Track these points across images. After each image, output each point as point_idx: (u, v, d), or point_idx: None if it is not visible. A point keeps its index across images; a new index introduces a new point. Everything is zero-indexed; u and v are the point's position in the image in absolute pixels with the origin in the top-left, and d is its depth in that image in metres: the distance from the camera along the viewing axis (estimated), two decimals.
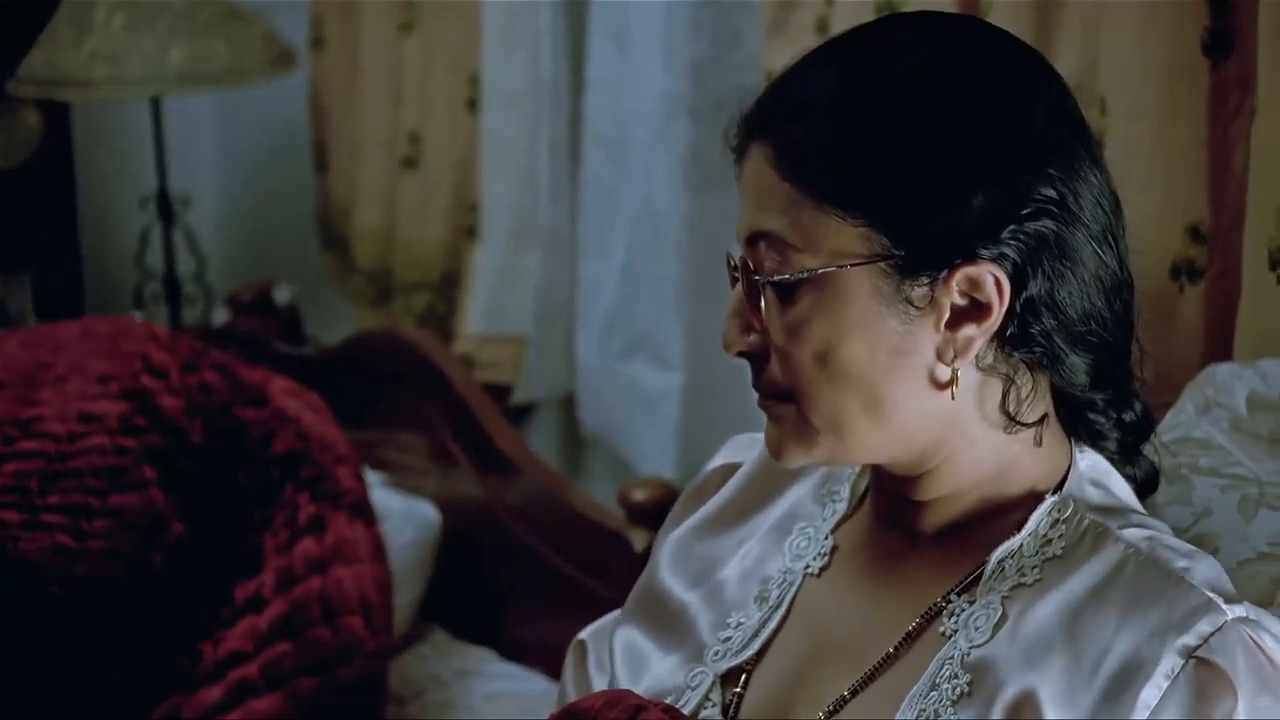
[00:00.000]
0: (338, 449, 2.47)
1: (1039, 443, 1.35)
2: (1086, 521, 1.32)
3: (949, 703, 1.28)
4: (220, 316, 3.55)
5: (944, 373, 1.30)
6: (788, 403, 1.33)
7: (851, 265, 1.27)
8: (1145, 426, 1.41)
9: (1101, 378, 1.34)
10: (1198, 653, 1.23)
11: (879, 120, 1.28)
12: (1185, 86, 1.85)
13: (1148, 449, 1.42)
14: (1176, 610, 1.24)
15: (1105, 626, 1.26)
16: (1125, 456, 1.40)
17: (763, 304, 1.31)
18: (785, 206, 1.29)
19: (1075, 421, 1.37)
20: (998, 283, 1.27)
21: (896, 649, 1.35)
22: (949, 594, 1.34)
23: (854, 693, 1.35)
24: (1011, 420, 1.32)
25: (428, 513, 2.73)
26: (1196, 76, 1.84)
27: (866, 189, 1.27)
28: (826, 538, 1.45)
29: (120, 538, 2.31)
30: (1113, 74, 1.90)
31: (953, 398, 1.30)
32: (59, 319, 3.48)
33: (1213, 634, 1.23)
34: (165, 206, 3.61)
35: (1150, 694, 1.22)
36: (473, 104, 3.04)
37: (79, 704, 2.30)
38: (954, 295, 1.28)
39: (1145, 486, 1.42)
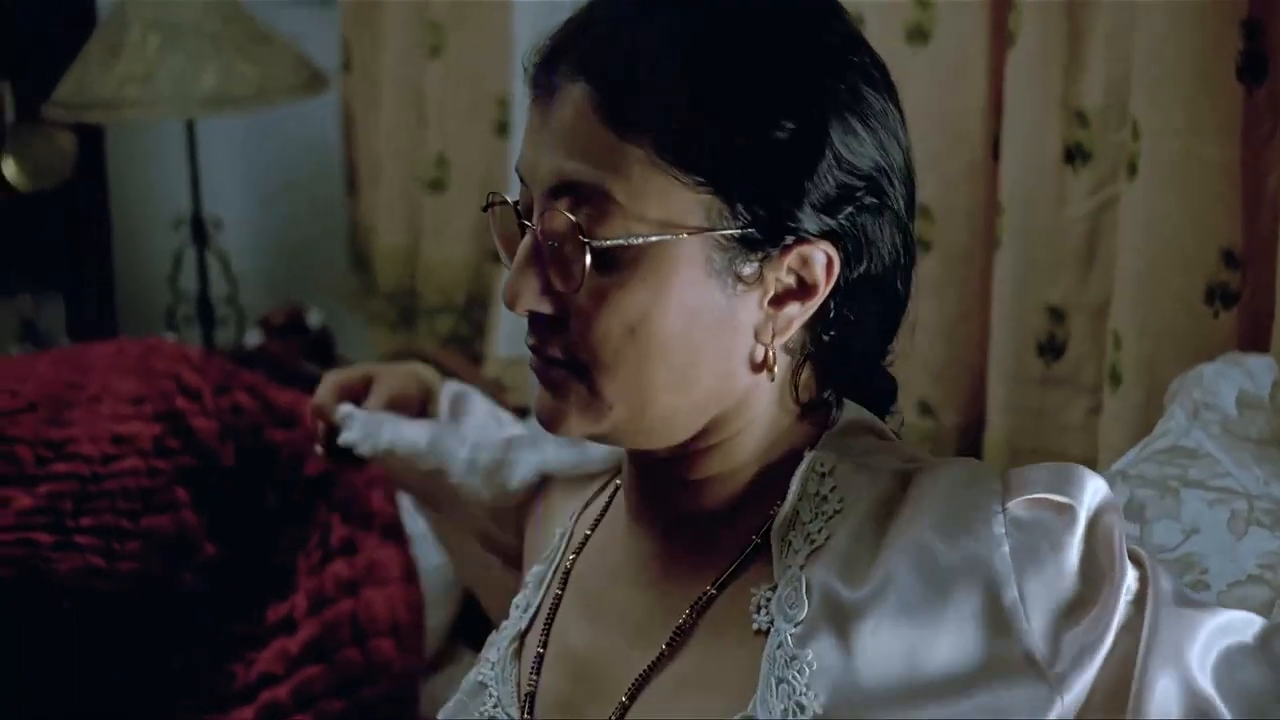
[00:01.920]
0: (369, 471, 2.47)
1: (802, 414, 1.28)
2: (854, 469, 1.25)
3: (804, 686, 1.18)
4: (252, 338, 3.56)
5: (760, 352, 1.22)
6: (581, 372, 1.22)
7: (689, 235, 1.17)
8: (893, 395, 1.37)
9: (879, 358, 1.31)
10: (1008, 501, 1.20)
11: (724, 78, 1.17)
12: (1217, 108, 1.84)
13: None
14: (966, 496, 1.21)
15: (915, 535, 1.20)
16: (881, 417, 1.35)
17: (583, 266, 1.18)
18: (609, 158, 1.17)
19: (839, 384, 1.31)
20: (829, 263, 1.21)
21: (671, 647, 1.26)
22: (719, 581, 1.26)
23: (631, 697, 1.27)
24: (796, 401, 1.26)
25: None
26: (1229, 99, 1.83)
27: (711, 153, 1.17)
28: (571, 535, 1.40)
29: (151, 559, 2.32)
30: (1145, 95, 1.90)
31: (771, 378, 1.23)
32: (92, 339, 3.50)
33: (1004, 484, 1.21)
34: (198, 229, 3.63)
35: (1000, 554, 1.18)
36: (502, 127, 3.05)
37: None
38: (782, 273, 1.21)
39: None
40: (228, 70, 3.24)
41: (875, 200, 1.21)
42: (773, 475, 1.27)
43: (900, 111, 1.25)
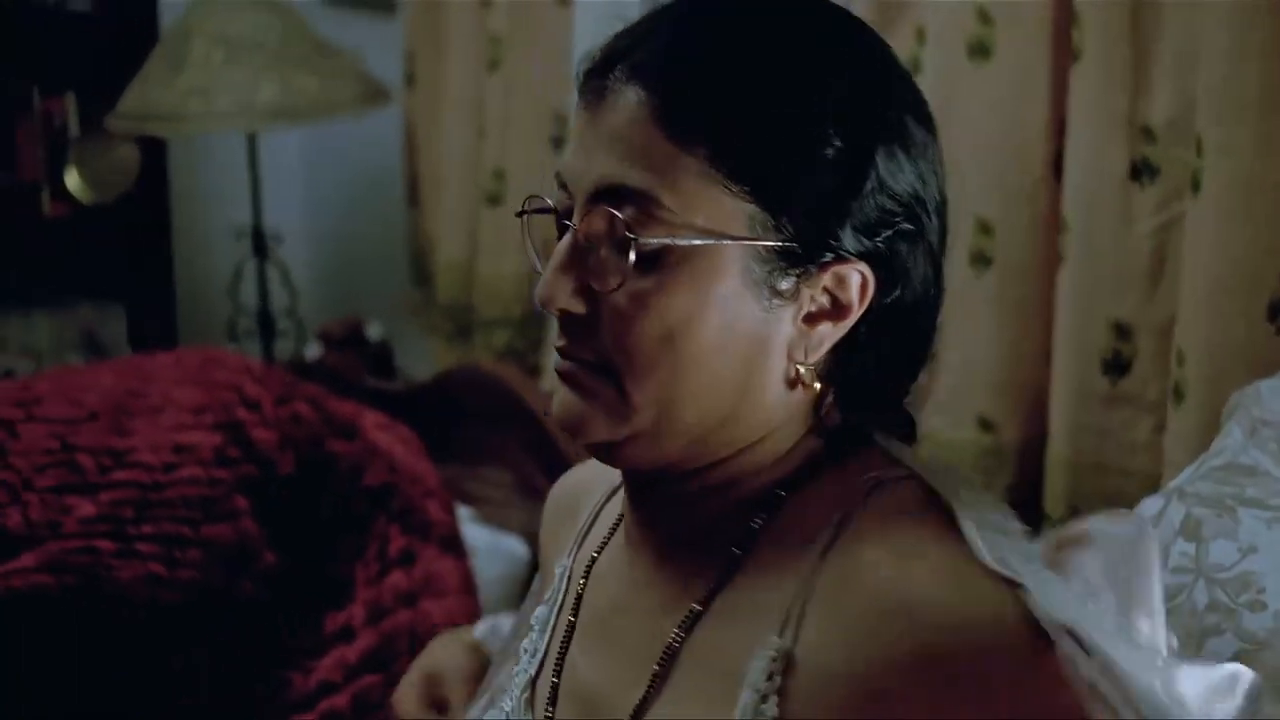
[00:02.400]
0: (428, 483, 2.48)
1: (824, 438, 1.26)
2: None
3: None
4: (312, 351, 3.58)
5: (793, 369, 1.21)
6: (610, 375, 1.20)
7: (732, 241, 1.17)
8: (914, 434, 1.31)
9: (903, 391, 1.28)
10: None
11: (782, 93, 1.17)
12: None
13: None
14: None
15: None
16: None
17: (627, 265, 1.17)
18: (661, 164, 1.17)
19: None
20: (863, 285, 1.20)
21: (663, 669, 1.23)
22: (705, 597, 1.23)
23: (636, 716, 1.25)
24: (817, 424, 1.24)
25: (515, 547, 2.74)
26: None
27: (762, 165, 1.17)
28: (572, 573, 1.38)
29: (211, 567, 2.33)
30: (1210, 112, 1.89)
31: (805, 394, 1.22)
32: (153, 350, 3.53)
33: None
34: (259, 241, 3.64)
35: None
36: (558, 141, 3.06)
37: None
38: (818, 291, 1.19)
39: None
40: (289, 84, 3.26)
41: (912, 228, 1.20)
42: (759, 486, 1.25)
43: (939, 148, 1.25)
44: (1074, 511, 2.14)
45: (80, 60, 3.86)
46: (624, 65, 1.20)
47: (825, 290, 1.20)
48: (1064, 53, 2.14)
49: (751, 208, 1.17)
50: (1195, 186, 1.91)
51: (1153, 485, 1.93)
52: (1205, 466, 1.67)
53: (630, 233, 1.17)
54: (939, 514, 1.18)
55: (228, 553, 2.34)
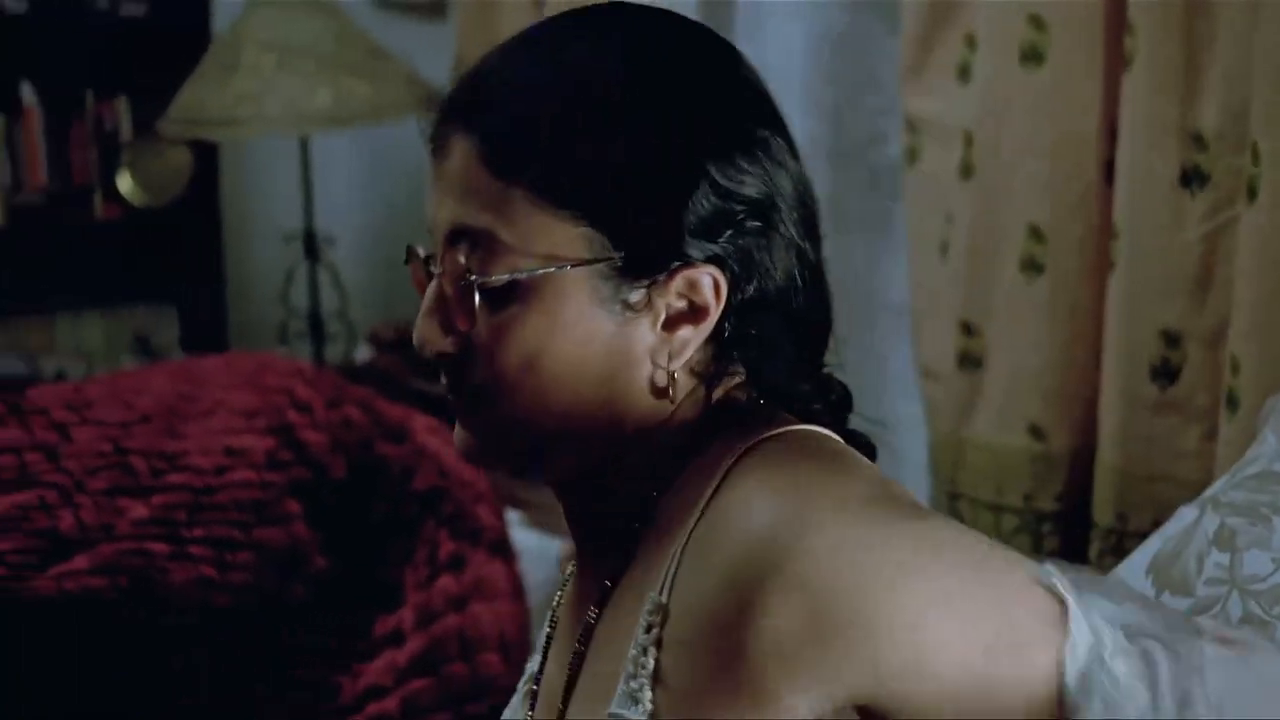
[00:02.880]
0: (477, 487, 2.48)
1: (727, 427, 1.28)
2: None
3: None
4: (362, 354, 3.59)
5: (661, 377, 1.25)
6: (486, 405, 1.26)
7: (571, 267, 1.22)
8: (848, 403, 1.36)
9: (802, 372, 1.31)
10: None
11: (595, 116, 1.22)
12: None
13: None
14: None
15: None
16: (839, 429, 1.33)
17: (473, 305, 1.23)
18: (494, 202, 1.23)
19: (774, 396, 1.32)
20: (716, 285, 1.24)
21: (581, 646, 1.30)
22: (615, 575, 1.29)
23: (564, 708, 1.30)
24: (713, 419, 1.27)
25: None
26: None
27: (585, 188, 1.22)
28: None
29: (262, 570, 2.34)
30: (1264, 118, 1.88)
31: (672, 402, 1.26)
32: (204, 352, 3.54)
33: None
34: (310, 244, 3.66)
35: None
36: None
37: None
38: (671, 297, 1.24)
39: (858, 441, 1.35)
40: (341, 89, 3.27)
41: (759, 224, 1.24)
42: (665, 465, 1.28)
43: (787, 140, 1.28)
44: (1121, 519, 2.14)
45: (133, 64, 3.89)
46: (455, 114, 1.26)
47: (679, 295, 1.24)
48: (1116, 59, 2.13)
49: (585, 229, 1.22)
50: (1251, 194, 1.90)
51: (1200, 494, 1.92)
52: (1239, 475, 1.66)
53: (471, 274, 1.23)
54: (825, 456, 1.24)
55: (279, 556, 2.35)
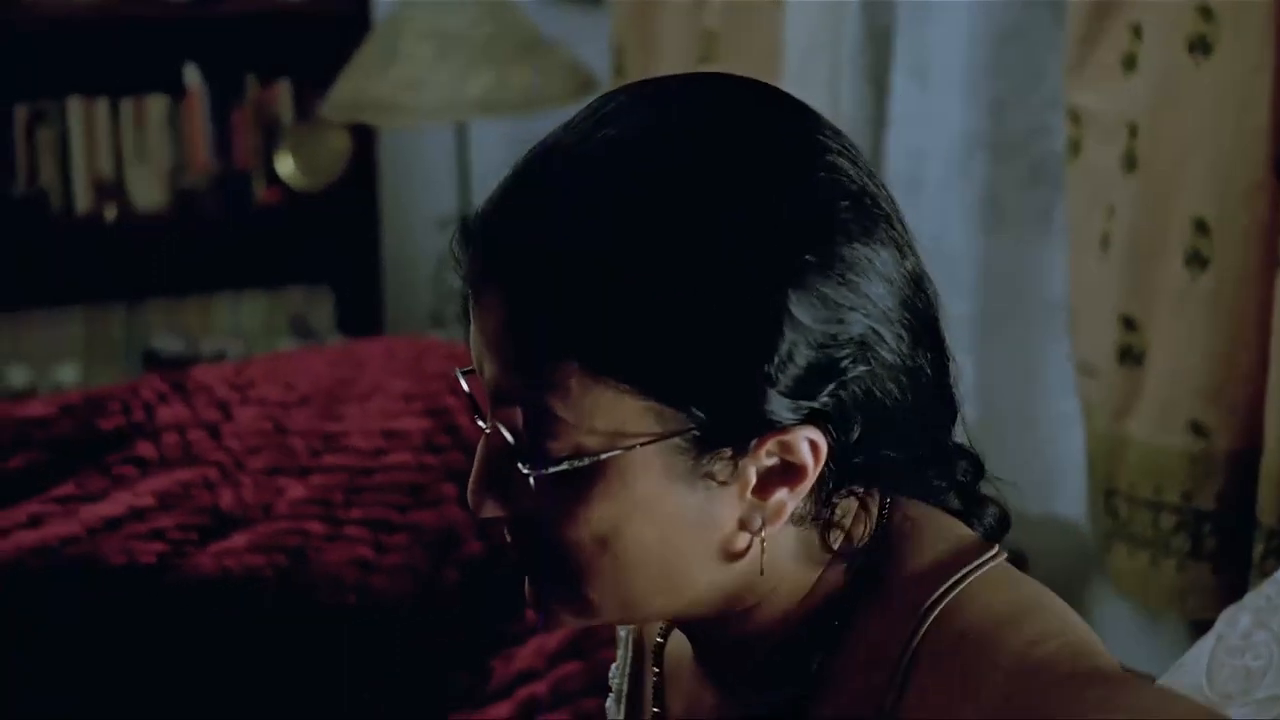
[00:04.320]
0: None
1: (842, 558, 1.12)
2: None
3: None
4: None
5: (743, 540, 1.07)
6: (558, 583, 1.08)
7: (640, 445, 1.03)
8: (978, 473, 1.18)
9: (923, 470, 1.13)
10: None
11: (650, 265, 1.01)
12: None
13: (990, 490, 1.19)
14: None
15: None
16: (969, 506, 1.17)
17: (529, 488, 1.04)
18: (543, 375, 1.03)
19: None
20: (813, 444, 1.05)
21: None
22: None
23: None
24: (838, 554, 1.10)
25: None
26: None
27: (646, 356, 1.02)
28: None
29: (417, 553, 2.36)
30: None
31: (761, 572, 1.08)
32: (359, 334, 3.58)
33: None
34: None
35: None
36: None
37: (368, 714, 2.35)
38: (762, 461, 1.05)
39: (996, 532, 1.18)
40: (499, 76, 3.29)
41: (865, 367, 1.05)
42: (813, 625, 1.12)
43: (889, 231, 1.08)
44: None
45: (294, 49, 3.94)
46: (484, 251, 1.06)
47: (771, 455, 1.05)
48: None
49: (653, 404, 1.03)
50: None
51: None
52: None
53: (526, 463, 1.04)
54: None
55: (433, 539, 2.37)
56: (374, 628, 2.34)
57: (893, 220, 1.09)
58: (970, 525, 1.16)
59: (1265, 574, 2.03)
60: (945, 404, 1.12)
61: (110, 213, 3.91)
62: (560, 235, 1.03)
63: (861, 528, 1.12)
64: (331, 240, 4.02)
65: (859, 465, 1.07)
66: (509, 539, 1.10)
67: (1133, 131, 2.29)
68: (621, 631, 1.30)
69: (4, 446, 2.44)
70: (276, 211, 3.99)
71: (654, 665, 1.24)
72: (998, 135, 2.69)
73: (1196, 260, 2.20)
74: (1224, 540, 2.21)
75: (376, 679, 2.34)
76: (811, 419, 1.04)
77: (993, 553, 1.10)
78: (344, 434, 2.45)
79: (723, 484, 1.04)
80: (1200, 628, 1.87)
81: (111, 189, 3.93)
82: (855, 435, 1.05)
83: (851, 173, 1.07)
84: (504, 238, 1.05)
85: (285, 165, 3.96)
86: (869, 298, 1.05)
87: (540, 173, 1.07)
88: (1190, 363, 2.22)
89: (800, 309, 1.02)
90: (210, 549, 2.32)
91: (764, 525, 1.06)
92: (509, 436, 1.05)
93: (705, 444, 1.03)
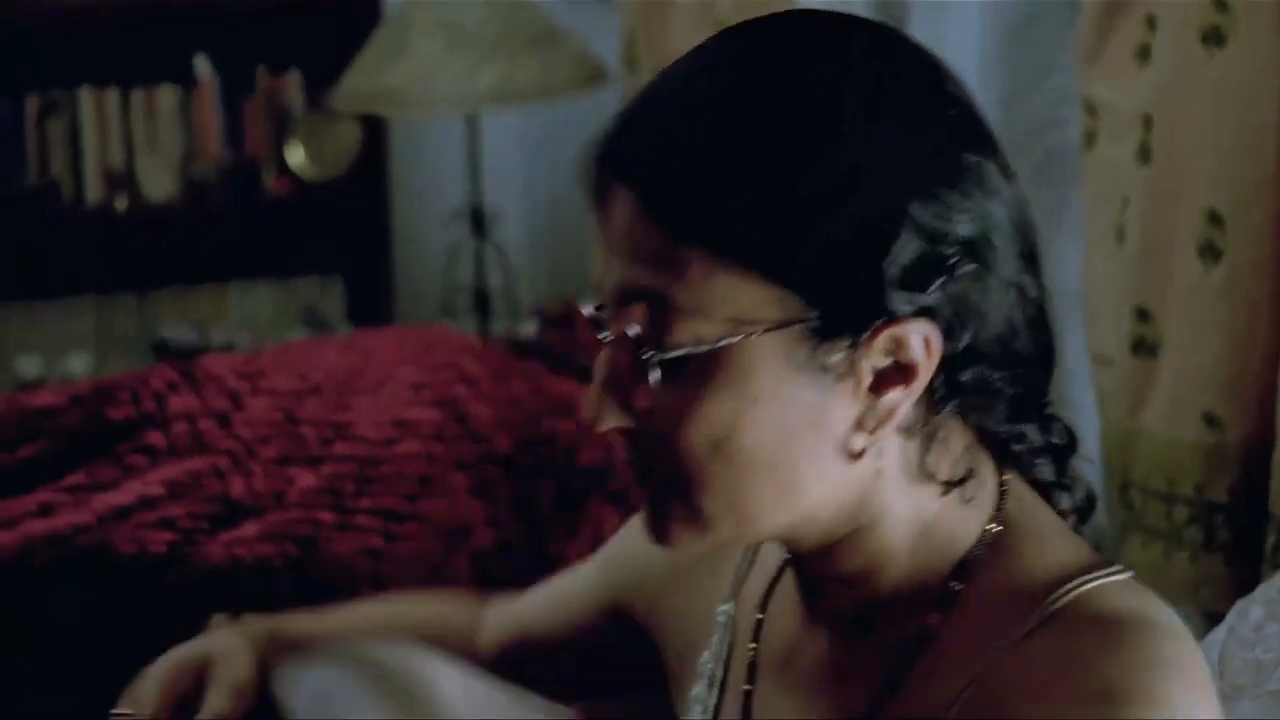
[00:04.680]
0: None
1: (967, 499, 1.16)
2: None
3: None
4: (527, 329, 3.61)
5: (860, 441, 1.11)
6: (674, 488, 1.12)
7: (762, 332, 1.07)
8: (1073, 445, 1.22)
9: (1026, 410, 1.17)
10: None
11: (778, 158, 1.07)
12: None
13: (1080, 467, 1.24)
14: None
15: None
16: (1060, 480, 1.21)
17: (650, 382, 1.08)
18: (667, 262, 1.07)
19: (1001, 456, 1.19)
20: (926, 342, 1.09)
21: None
22: (875, 696, 1.16)
23: None
24: (934, 480, 1.15)
25: None
26: None
27: (771, 242, 1.06)
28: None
29: (428, 543, 2.36)
30: None
31: (876, 472, 1.12)
32: (370, 324, 3.58)
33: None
34: (477, 220, 3.68)
35: None
36: None
37: None
38: (876, 358, 1.09)
39: (1084, 510, 1.23)
40: (510, 67, 3.29)
41: (973, 266, 1.10)
42: (929, 572, 1.17)
43: (1000, 162, 1.13)
44: None
45: (305, 40, 3.94)
46: (614, 160, 1.12)
47: (885, 354, 1.09)
48: None
49: (776, 290, 1.07)
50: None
51: None
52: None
53: (645, 348, 1.09)
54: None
55: (444, 529, 2.36)
56: None
57: (998, 144, 1.14)
58: (1058, 500, 1.21)
59: (1277, 566, 2.03)
60: (1045, 338, 1.17)
61: (121, 203, 3.91)
62: (688, 124, 1.08)
63: (974, 486, 1.16)
64: (342, 231, 4.02)
65: (967, 385, 1.11)
66: (631, 453, 1.14)
67: (1147, 123, 2.28)
68: (720, 617, 1.31)
69: (14, 436, 2.43)
70: (287, 202, 3.99)
71: (751, 641, 1.27)
72: (1011, 128, 2.68)
73: (1210, 252, 2.20)
74: (1237, 533, 2.21)
75: None
76: (923, 315, 1.08)
77: (1120, 568, 1.15)
78: (354, 423, 2.45)
79: (839, 378, 1.09)
80: (1213, 620, 1.87)
81: (122, 180, 3.93)
82: (964, 343, 1.10)
83: (967, 95, 1.13)
84: (631, 135, 1.11)
85: (296, 156, 3.96)
86: (983, 206, 1.09)
87: (665, 81, 1.13)
88: (1204, 355, 2.21)
89: (918, 204, 1.07)
90: (221, 538, 2.32)
91: (877, 427, 1.10)
92: (633, 330, 1.08)
93: (823, 334, 1.07)
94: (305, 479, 2.38)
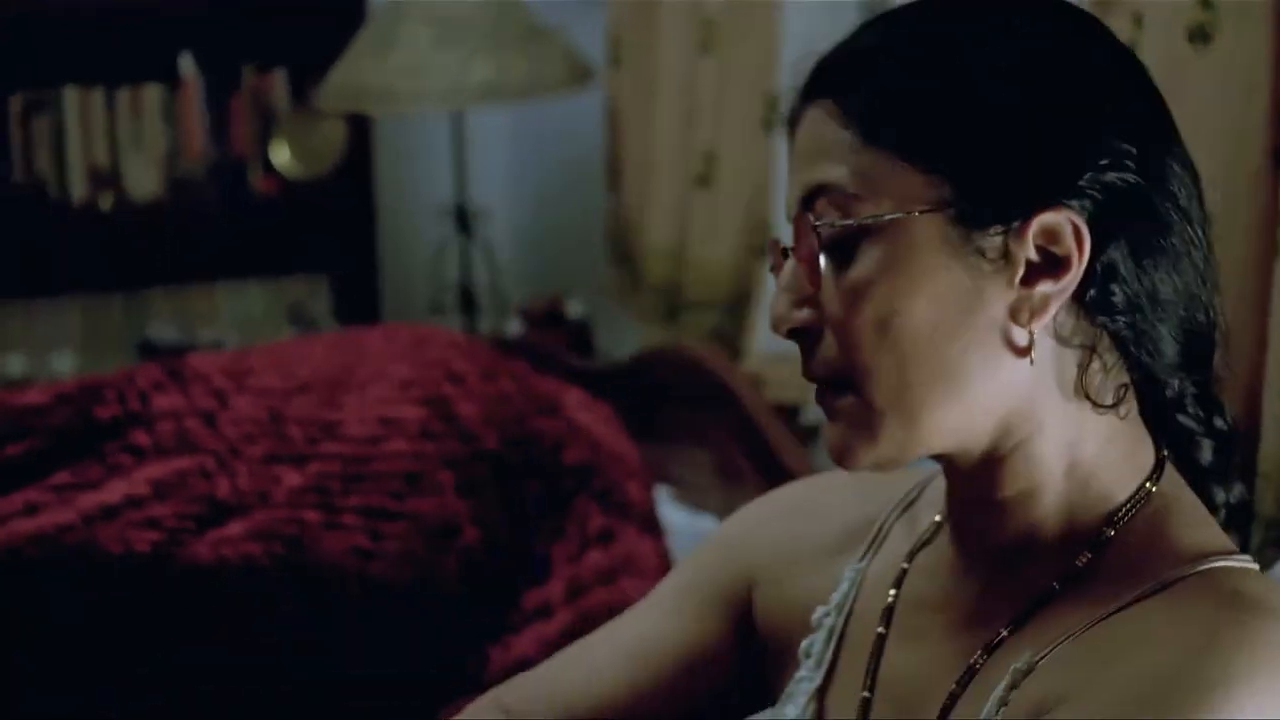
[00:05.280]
0: (628, 462, 2.48)
1: (1125, 450, 1.23)
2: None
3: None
4: (513, 328, 3.61)
5: (1020, 335, 1.17)
6: (847, 390, 1.20)
7: (920, 212, 1.16)
8: (1237, 438, 1.30)
9: (1191, 361, 1.24)
10: None
11: (943, 59, 1.18)
12: None
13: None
14: None
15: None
16: (1219, 473, 1.29)
17: (819, 257, 1.19)
18: (844, 155, 1.19)
19: (1161, 424, 1.26)
20: (1077, 233, 1.16)
21: (957, 687, 1.23)
22: (1007, 626, 1.22)
23: None
24: (1089, 400, 1.20)
25: (713, 528, 2.73)
26: None
27: (933, 131, 1.17)
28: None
29: (415, 541, 2.36)
30: None
31: (1031, 362, 1.18)
32: (357, 323, 3.58)
33: None
34: (463, 218, 3.68)
35: None
36: (769, 124, 3.06)
37: (367, 703, 2.35)
38: (1029, 248, 1.17)
39: (1236, 515, 1.30)
40: (498, 64, 3.29)
41: (1128, 168, 1.18)
42: (1082, 512, 1.23)
43: (1183, 151, 1.23)
44: None
45: (290, 37, 3.93)
46: (816, 81, 1.23)
47: (1038, 247, 1.17)
48: None
49: (935, 176, 1.17)
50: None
51: None
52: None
53: (817, 221, 1.19)
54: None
55: (431, 527, 2.36)
56: (372, 616, 2.34)
57: (1184, 150, 1.24)
58: (1213, 493, 1.27)
59: (1263, 564, 2.02)
60: (1209, 291, 1.24)
61: (106, 202, 3.91)
62: (882, 47, 1.21)
63: (1133, 441, 1.23)
64: (328, 229, 4.01)
65: (1120, 306, 1.17)
66: (806, 364, 1.22)
67: None
68: (850, 573, 1.36)
69: (1, 435, 2.43)
70: (273, 201, 3.99)
71: (893, 587, 1.32)
72: None
73: None
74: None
75: (374, 667, 2.34)
76: (1075, 209, 1.16)
77: (1251, 558, 1.22)
78: (341, 422, 2.44)
79: (992, 263, 1.17)
80: None
81: (107, 178, 3.93)
82: (1118, 253, 1.17)
83: (1155, 89, 1.26)
84: (825, 64, 1.23)
85: (281, 154, 3.95)
86: (1135, 124, 1.19)
87: (864, 26, 1.26)
88: None
89: (1079, 108, 1.17)
90: (207, 537, 2.32)
91: (1032, 318, 1.17)
92: (807, 216, 1.19)
93: (978, 218, 1.16)
94: (292, 478, 2.38)
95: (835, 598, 1.36)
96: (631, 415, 2.67)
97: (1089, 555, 1.21)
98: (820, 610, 1.37)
